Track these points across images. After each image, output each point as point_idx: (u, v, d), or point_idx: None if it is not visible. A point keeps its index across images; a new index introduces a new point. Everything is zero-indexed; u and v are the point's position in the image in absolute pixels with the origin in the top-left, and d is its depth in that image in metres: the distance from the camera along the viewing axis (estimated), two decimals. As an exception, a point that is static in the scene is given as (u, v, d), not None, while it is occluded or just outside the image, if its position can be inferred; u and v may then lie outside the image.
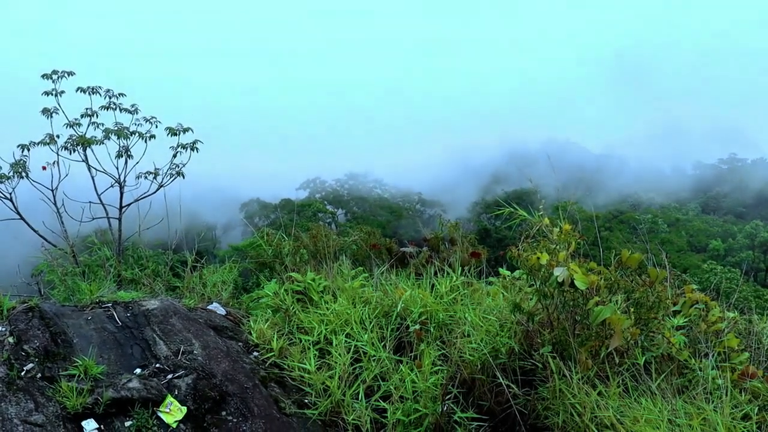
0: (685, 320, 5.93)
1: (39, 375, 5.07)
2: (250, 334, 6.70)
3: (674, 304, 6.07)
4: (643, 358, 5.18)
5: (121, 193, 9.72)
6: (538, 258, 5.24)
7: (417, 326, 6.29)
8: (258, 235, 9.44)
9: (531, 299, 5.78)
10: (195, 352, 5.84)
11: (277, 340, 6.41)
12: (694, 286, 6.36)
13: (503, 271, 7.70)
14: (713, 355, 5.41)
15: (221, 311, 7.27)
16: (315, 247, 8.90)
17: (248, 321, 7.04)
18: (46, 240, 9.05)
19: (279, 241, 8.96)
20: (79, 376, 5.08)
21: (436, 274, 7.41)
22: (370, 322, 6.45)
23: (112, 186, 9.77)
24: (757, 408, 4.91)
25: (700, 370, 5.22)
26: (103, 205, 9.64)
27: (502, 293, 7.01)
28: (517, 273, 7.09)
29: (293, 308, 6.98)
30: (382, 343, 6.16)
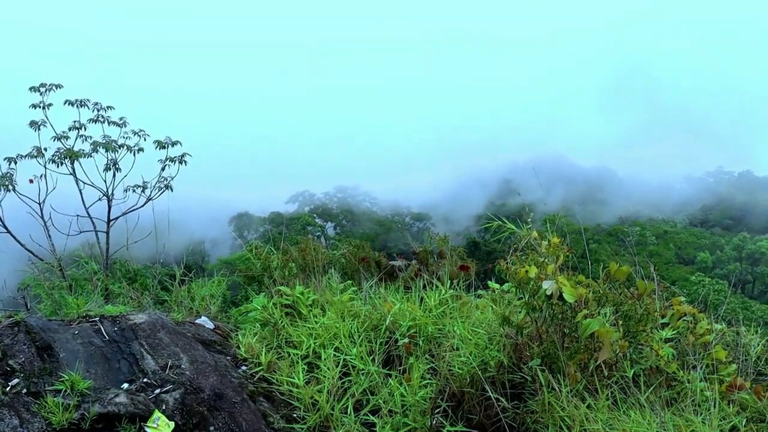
0: (674, 333, 5.95)
1: (24, 390, 5.02)
2: (239, 348, 6.66)
3: (662, 317, 6.09)
4: (632, 371, 5.20)
5: (109, 207, 9.68)
6: (527, 271, 5.26)
7: (406, 340, 6.28)
8: (247, 249, 9.41)
9: (520, 312, 5.79)
10: (183, 366, 5.80)
11: (265, 354, 6.38)
12: (682, 299, 6.39)
13: (492, 284, 7.70)
14: (701, 368, 5.43)
15: (209, 325, 7.24)
16: (304, 260, 8.88)
17: (237, 335, 7.01)
18: (32, 254, 9.00)
19: (267, 254, 8.94)
20: (65, 391, 5.03)
21: (425, 287, 7.41)
22: (359, 336, 6.43)
23: (99, 199, 9.73)
24: (744, 420, 4.92)
25: (689, 383, 5.24)
26: (90, 218, 9.60)
27: (491, 306, 7.01)
28: (506, 286, 7.09)
29: (282, 322, 6.95)
30: (371, 357, 6.14)
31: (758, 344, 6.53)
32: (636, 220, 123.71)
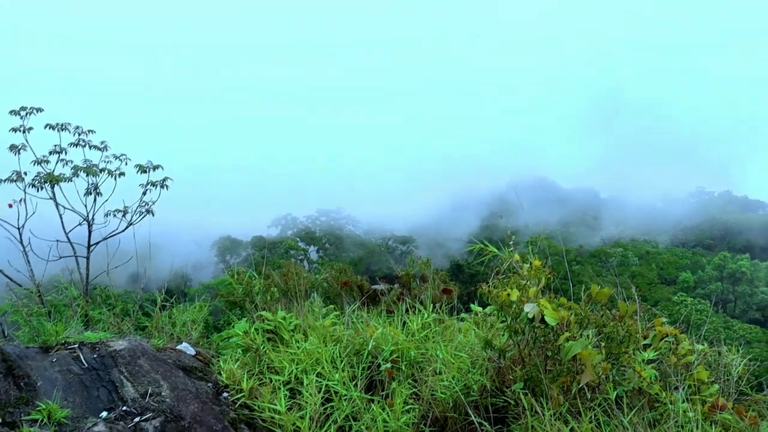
0: (656, 354, 5.96)
1: (0, 421, 4.94)
2: (220, 374, 6.60)
3: (645, 338, 6.09)
4: (615, 393, 5.19)
5: (90, 231, 9.59)
6: (509, 294, 5.26)
7: (388, 365, 6.25)
8: (228, 274, 9.36)
9: (502, 336, 5.78)
10: (163, 393, 5.73)
11: (247, 380, 6.32)
12: (664, 319, 6.40)
13: (475, 307, 7.70)
14: (684, 388, 5.44)
15: (191, 351, 7.17)
16: (286, 285, 8.84)
17: (218, 361, 6.94)
18: (11, 279, 8.89)
19: (249, 279, 8.89)
20: (42, 421, 4.95)
21: (407, 311, 7.39)
22: (342, 361, 6.39)
23: (80, 224, 9.64)
24: (727, 440, 4.94)
25: (672, 404, 5.24)
26: (70, 243, 9.50)
27: (474, 330, 7.00)
28: (489, 309, 7.09)
29: (264, 348, 6.90)
30: (354, 382, 6.10)
31: (740, 364, 6.55)
32: (618, 241, 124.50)
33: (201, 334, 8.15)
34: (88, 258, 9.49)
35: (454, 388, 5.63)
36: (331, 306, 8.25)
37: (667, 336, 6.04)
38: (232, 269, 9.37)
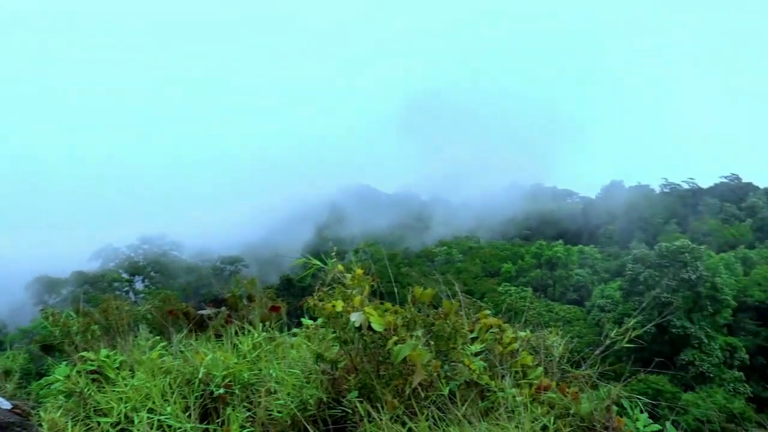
0: (483, 345, 6.18)
1: None
2: (41, 425, 6.11)
3: (471, 331, 6.30)
4: (447, 388, 5.32)
5: None
6: (334, 306, 5.26)
7: (221, 390, 6.06)
8: (42, 317, 8.74)
9: (334, 347, 5.78)
10: (-26, 457, 5.24)
11: (72, 427, 5.91)
12: (488, 311, 6.65)
13: (306, 321, 7.65)
14: (511, 375, 5.68)
15: (6, 405, 6.60)
16: (107, 321, 8.38)
17: (38, 411, 6.45)
18: None
19: (66, 320, 8.34)
20: None
21: (236, 333, 7.22)
22: (173, 393, 6.12)
23: None
24: (553, 418, 5.19)
25: (501, 391, 5.45)
26: None
27: (306, 344, 6.96)
28: (319, 321, 7.07)
29: (88, 390, 6.48)
30: (187, 413, 5.87)
31: (560, 344, 6.93)
32: (442, 240, 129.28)
33: (17, 384, 7.55)
34: None
35: (290, 405, 5.55)
36: (158, 337, 7.91)
37: (491, 327, 6.28)
38: (46, 311, 8.76)
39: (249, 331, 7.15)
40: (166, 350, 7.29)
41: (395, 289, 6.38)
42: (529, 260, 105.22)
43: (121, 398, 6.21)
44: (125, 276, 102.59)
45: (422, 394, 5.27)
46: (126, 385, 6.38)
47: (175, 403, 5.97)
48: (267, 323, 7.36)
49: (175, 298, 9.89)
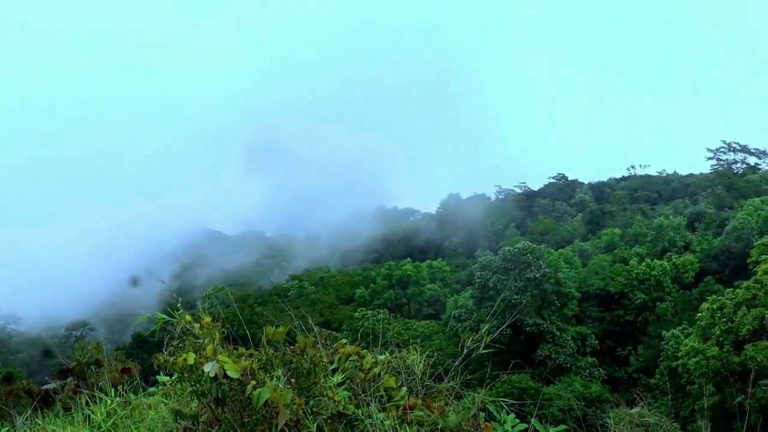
0: (344, 375, 6.14)
1: None
2: None
3: (331, 363, 6.25)
4: (315, 424, 5.24)
5: None
6: (185, 359, 5.06)
7: (75, 468, 5.68)
8: None
9: (192, 401, 5.55)
10: None
11: None
12: (345, 340, 6.63)
13: (161, 378, 7.31)
14: (375, 400, 5.67)
15: None
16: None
17: None
18: None
19: None
20: None
21: (87, 403, 6.78)
22: (22, 481, 5.67)
23: None
24: (423, 435, 5.23)
25: (369, 417, 5.43)
26: None
27: (164, 402, 6.64)
28: (175, 376, 6.78)
29: None
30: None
31: (420, 361, 7.01)
32: (292, 274, 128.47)
33: None
34: None
35: (153, 470, 5.28)
36: (-2, 423, 7.29)
37: (350, 355, 6.26)
38: None
39: (101, 399, 6.74)
40: (11, 435, 6.75)
41: (249, 332, 6.24)
42: (381, 282, 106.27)
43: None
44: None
45: (290, 434, 5.16)
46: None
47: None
48: (120, 387, 6.97)
49: (17, 376, 9.19)
